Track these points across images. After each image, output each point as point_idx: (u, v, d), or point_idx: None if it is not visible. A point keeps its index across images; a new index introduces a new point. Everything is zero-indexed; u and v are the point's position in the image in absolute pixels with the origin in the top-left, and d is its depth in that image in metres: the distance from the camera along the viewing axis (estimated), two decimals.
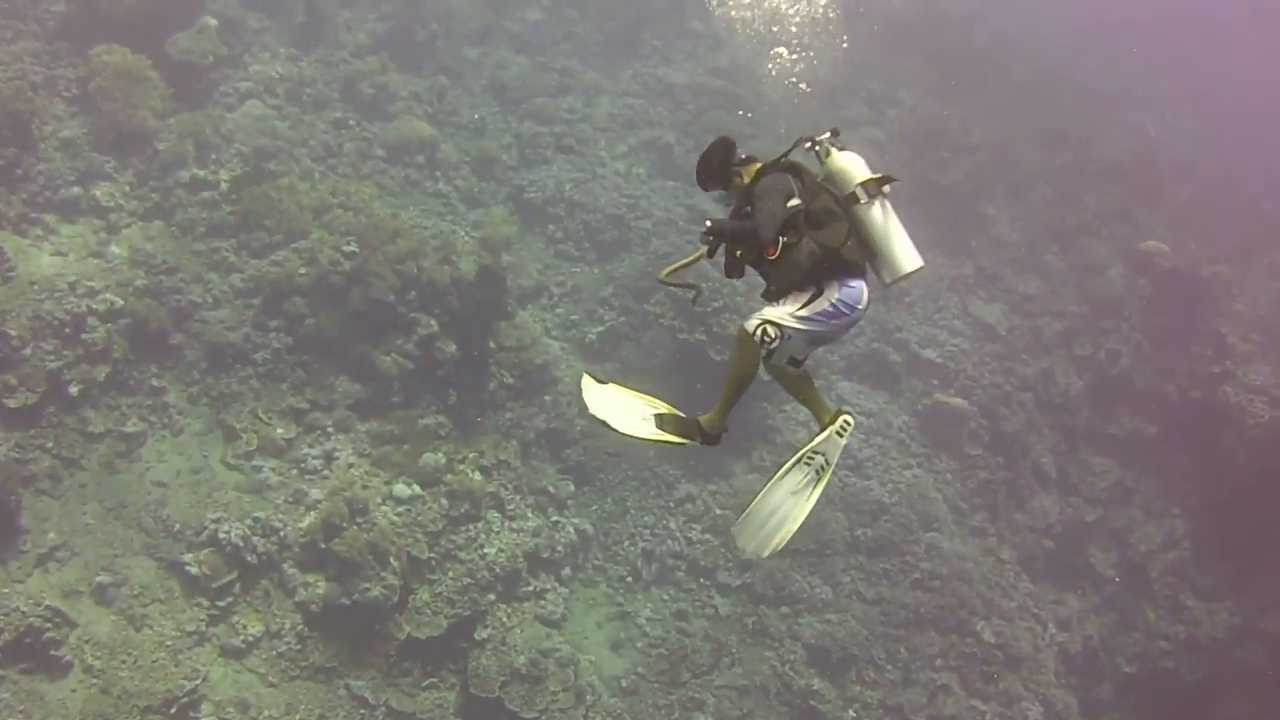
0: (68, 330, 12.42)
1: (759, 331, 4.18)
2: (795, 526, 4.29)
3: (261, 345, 13.70)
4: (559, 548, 13.93)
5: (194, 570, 11.88)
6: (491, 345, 14.78)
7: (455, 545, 13.12)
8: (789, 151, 4.42)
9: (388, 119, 17.79)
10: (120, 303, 12.96)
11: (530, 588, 13.52)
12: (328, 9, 18.70)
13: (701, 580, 14.60)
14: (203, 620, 11.80)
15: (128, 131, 14.60)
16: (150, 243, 14.02)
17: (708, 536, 14.86)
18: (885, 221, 4.33)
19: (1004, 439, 17.25)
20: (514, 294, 15.77)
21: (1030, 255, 20.14)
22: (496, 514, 13.66)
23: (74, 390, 12.27)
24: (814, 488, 4.34)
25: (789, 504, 4.31)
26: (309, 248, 14.18)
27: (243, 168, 15.21)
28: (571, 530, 14.23)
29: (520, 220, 17.60)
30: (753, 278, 4.46)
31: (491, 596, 13.01)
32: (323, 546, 12.24)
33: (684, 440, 4.50)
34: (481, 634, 12.77)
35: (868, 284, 4.33)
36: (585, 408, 4.60)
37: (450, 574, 12.92)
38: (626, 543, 14.70)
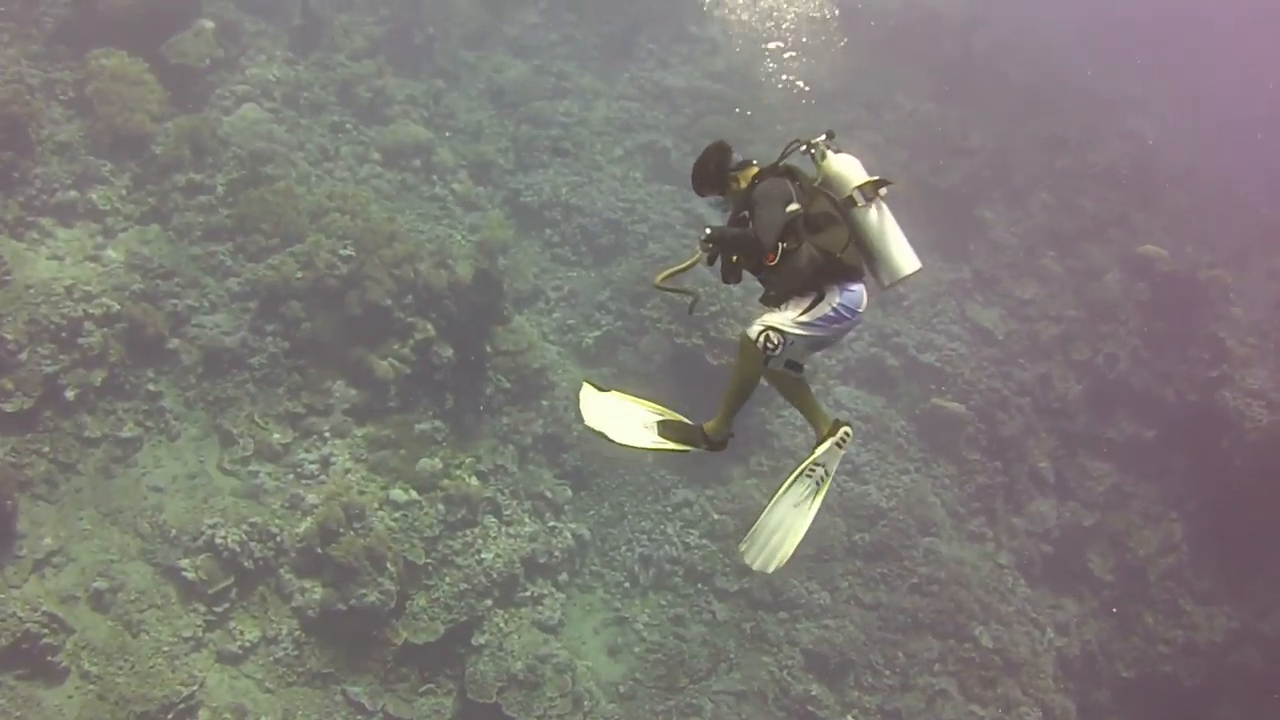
0: (64, 334, 12.40)
1: (761, 338, 4.14)
2: (799, 538, 4.27)
3: (258, 349, 13.67)
4: (556, 553, 13.90)
5: (191, 576, 11.86)
6: (488, 350, 14.76)
7: (452, 550, 13.10)
8: (784, 155, 4.39)
9: (385, 122, 17.80)
10: (116, 307, 12.94)
11: (527, 593, 13.50)
12: (325, 12, 18.68)
13: (699, 585, 14.55)
14: (199, 626, 11.78)
15: (124, 135, 14.59)
16: (147, 246, 14.01)
17: (705, 542, 14.82)
18: (882, 224, 4.30)
19: (1002, 443, 17.24)
20: (510, 298, 15.74)
21: (1028, 259, 20.10)
22: (493, 519, 13.63)
23: (70, 395, 12.25)
24: (814, 498, 4.32)
25: (791, 517, 4.29)
26: (305, 251, 14.15)
27: (239, 171, 15.19)
28: (569, 535, 14.20)
29: (517, 224, 17.59)
30: (749, 282, 4.44)
31: (489, 602, 12.99)
32: (319, 552, 12.22)
33: (686, 447, 4.47)
34: (478, 639, 12.75)
35: (866, 287, 4.32)
36: (583, 418, 4.57)
37: (447, 579, 12.90)
38: (624, 548, 14.66)
